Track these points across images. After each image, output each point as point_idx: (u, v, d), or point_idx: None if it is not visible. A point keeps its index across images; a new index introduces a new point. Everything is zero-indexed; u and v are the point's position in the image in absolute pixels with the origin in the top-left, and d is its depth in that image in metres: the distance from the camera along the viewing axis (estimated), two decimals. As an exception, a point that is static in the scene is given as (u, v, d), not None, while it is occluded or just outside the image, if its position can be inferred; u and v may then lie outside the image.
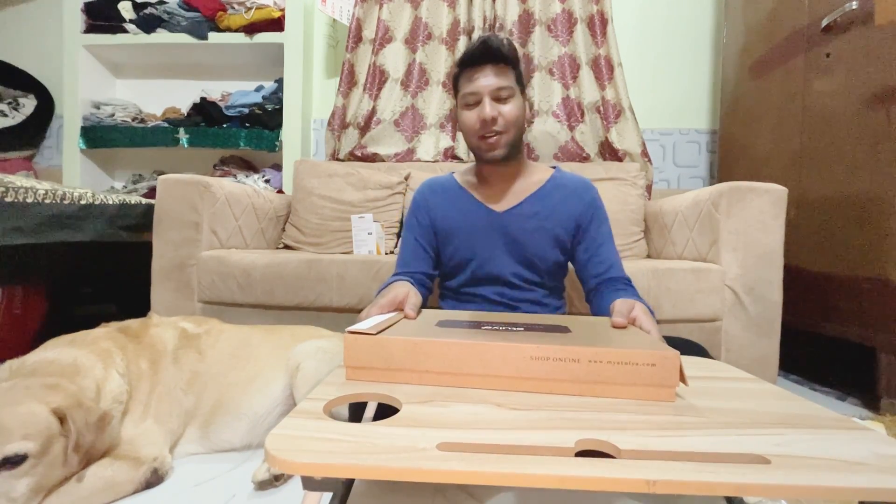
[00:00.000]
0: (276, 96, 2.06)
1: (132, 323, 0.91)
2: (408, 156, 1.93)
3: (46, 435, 0.62)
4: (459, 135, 1.90)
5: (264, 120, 2.02)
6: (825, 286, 1.33)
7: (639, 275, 1.13)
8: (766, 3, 1.63)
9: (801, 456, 0.37)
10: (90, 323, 0.89)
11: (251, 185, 1.75)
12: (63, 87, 2.07)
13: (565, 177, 0.96)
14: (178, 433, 0.83)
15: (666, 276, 1.14)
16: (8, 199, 1.09)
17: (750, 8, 1.72)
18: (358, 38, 1.98)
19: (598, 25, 1.88)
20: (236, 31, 2.00)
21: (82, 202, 1.25)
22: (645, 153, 1.85)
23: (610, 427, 0.42)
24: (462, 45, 1.92)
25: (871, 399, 1.24)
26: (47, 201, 1.17)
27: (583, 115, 1.89)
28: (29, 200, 1.13)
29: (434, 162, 1.90)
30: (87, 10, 2.06)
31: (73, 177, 2.08)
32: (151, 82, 2.28)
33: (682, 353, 0.50)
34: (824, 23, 1.34)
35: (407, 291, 0.76)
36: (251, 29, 1.99)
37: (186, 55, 2.13)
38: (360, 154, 1.93)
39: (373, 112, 1.96)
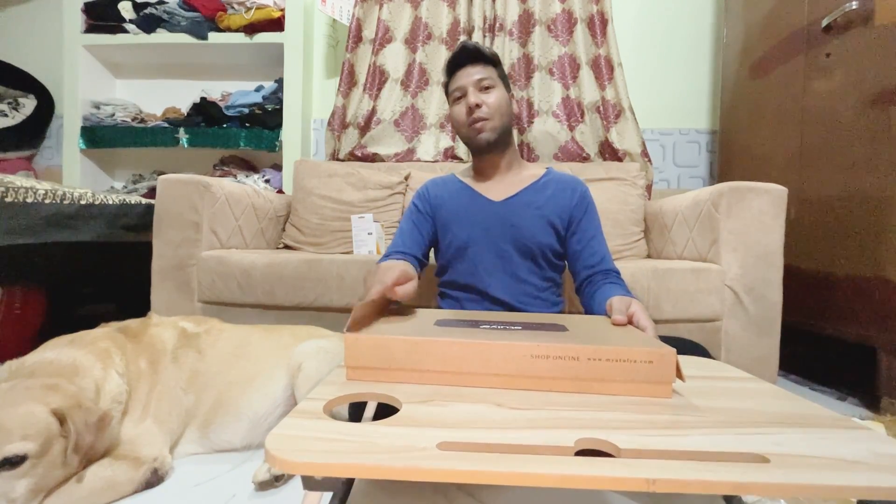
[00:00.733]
0: (276, 96, 2.06)
1: (132, 323, 0.91)
2: (408, 156, 1.93)
3: (46, 435, 0.62)
4: (459, 135, 1.91)
5: (264, 120, 2.02)
6: (825, 286, 1.33)
7: (639, 275, 1.13)
8: (766, 3, 1.63)
9: (800, 455, 0.37)
10: (90, 323, 0.89)
11: (251, 185, 1.75)
12: (63, 87, 2.07)
13: (557, 174, 1.01)
14: (177, 433, 0.83)
15: (666, 276, 1.14)
16: (8, 199, 1.09)
17: (750, 8, 1.73)
18: (358, 38, 1.98)
19: (598, 25, 1.88)
20: (236, 31, 2.00)
21: (82, 202, 1.25)
22: (645, 153, 1.85)
23: (610, 426, 0.42)
24: (462, 45, 1.92)
25: (871, 399, 1.24)
26: (47, 201, 1.17)
27: (583, 115, 1.89)
28: (29, 200, 1.13)
29: (434, 162, 1.90)
30: (87, 10, 2.06)
31: (73, 177, 2.08)
32: (151, 82, 2.28)
33: (682, 353, 0.50)
34: (824, 23, 1.34)
35: (398, 272, 0.71)
36: (251, 29, 1.99)
37: (186, 55, 2.13)
38: (360, 154, 1.94)
39: (373, 112, 1.96)
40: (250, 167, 2.19)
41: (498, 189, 0.98)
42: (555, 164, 1.84)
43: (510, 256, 0.94)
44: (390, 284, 0.67)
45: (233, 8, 2.00)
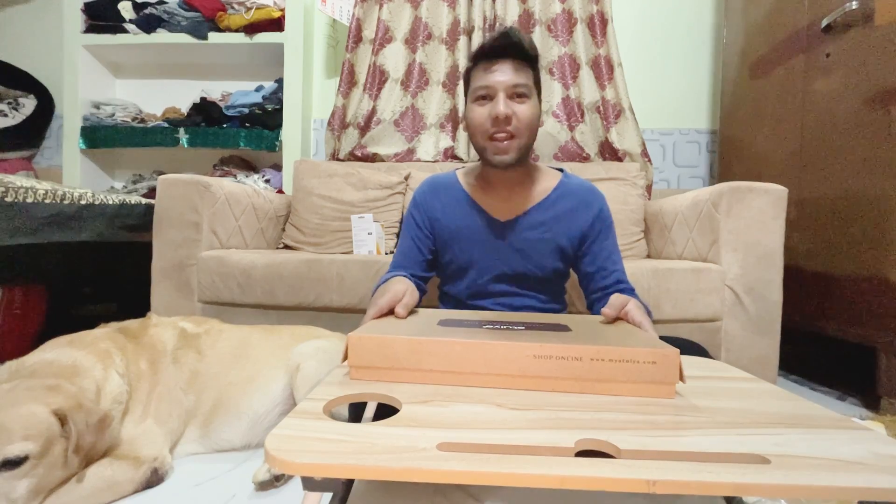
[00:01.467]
0: (276, 96, 2.05)
1: (131, 323, 0.91)
2: (408, 156, 1.93)
3: (47, 436, 0.62)
4: (460, 135, 1.91)
5: (264, 120, 2.02)
6: (825, 286, 1.33)
7: (639, 275, 1.13)
8: (766, 3, 1.63)
9: (800, 456, 0.37)
10: (90, 323, 0.89)
11: (251, 185, 1.75)
12: (63, 87, 2.07)
13: (573, 183, 0.92)
14: (178, 433, 0.83)
15: (666, 276, 1.14)
16: (8, 199, 1.09)
17: (750, 8, 1.72)
18: (358, 38, 1.98)
19: (598, 25, 1.88)
20: (236, 31, 2.00)
21: (82, 202, 1.25)
22: (645, 153, 1.85)
23: (610, 427, 0.42)
24: (462, 45, 1.92)
25: (871, 399, 1.24)
26: (47, 201, 1.17)
27: (583, 115, 1.89)
28: (29, 200, 1.13)
29: (434, 162, 1.90)
30: (87, 9, 2.06)
31: (73, 177, 2.08)
32: (151, 82, 2.28)
33: (682, 353, 0.50)
34: (824, 23, 1.34)
35: (405, 289, 0.73)
36: (251, 29, 1.99)
37: (186, 55, 2.13)
38: (360, 154, 1.94)
39: (373, 112, 1.96)
40: (250, 167, 2.19)
41: (505, 206, 0.89)
42: (555, 164, 1.84)
43: (513, 281, 0.90)
44: (385, 307, 0.67)
45: (233, 8, 2.00)
